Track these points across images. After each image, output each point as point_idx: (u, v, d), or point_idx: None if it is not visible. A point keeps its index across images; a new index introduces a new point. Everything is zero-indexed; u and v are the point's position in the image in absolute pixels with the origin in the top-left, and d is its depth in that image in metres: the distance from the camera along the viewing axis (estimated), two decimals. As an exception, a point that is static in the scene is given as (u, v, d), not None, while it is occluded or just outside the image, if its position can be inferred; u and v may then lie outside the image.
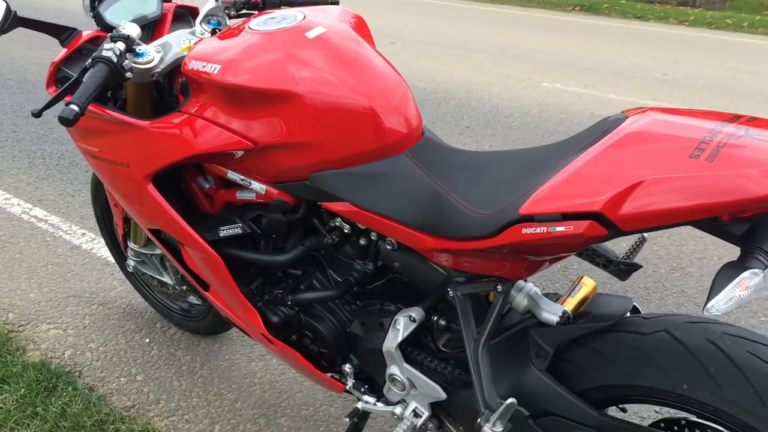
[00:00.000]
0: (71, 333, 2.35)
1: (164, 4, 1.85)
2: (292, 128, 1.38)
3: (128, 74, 1.53)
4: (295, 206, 1.53)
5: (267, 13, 1.60)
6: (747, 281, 0.95)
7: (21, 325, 2.37)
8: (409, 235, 1.35)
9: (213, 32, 1.70)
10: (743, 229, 1.03)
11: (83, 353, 2.25)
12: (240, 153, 1.46)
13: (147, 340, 2.32)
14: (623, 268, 1.45)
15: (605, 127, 1.17)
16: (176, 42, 1.67)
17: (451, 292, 1.38)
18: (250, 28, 1.49)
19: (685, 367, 1.18)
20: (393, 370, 1.52)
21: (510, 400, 1.22)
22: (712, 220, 1.03)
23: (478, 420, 1.26)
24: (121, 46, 1.47)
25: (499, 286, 1.32)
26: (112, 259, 2.78)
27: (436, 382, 1.48)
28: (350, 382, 1.65)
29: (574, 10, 10.83)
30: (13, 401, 1.98)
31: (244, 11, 1.83)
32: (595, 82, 5.96)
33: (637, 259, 1.46)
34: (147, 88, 1.71)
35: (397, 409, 1.56)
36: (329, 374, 1.68)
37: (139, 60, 1.55)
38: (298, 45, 1.41)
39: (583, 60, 6.87)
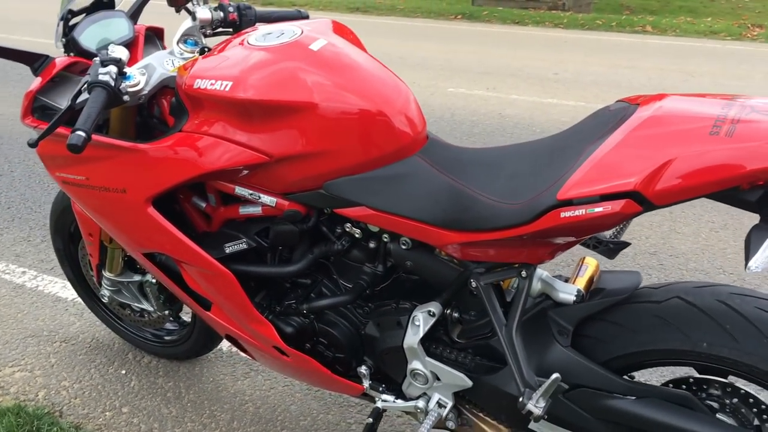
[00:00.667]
0: (39, 373, 2.24)
1: (135, 26, 1.82)
2: (307, 138, 1.42)
3: (125, 98, 1.52)
4: (305, 216, 1.56)
5: (250, 30, 1.63)
6: (776, 244, 1.07)
7: (-20, 371, 2.24)
8: (430, 233, 1.41)
9: (201, 51, 1.70)
10: (758, 195, 1.16)
11: (58, 392, 2.16)
12: (252, 168, 1.47)
13: (123, 372, 2.26)
14: (612, 248, 1.57)
15: (618, 114, 1.28)
16: (158, 63, 1.66)
17: (473, 283, 1.45)
18: (249, 43, 1.51)
19: (702, 327, 1.30)
20: (415, 365, 1.58)
21: (554, 376, 1.30)
22: (732, 190, 1.15)
23: (521, 399, 1.34)
24: (114, 69, 1.46)
25: (523, 272, 1.41)
26: (62, 294, 2.68)
27: (459, 371, 1.55)
28: (367, 383, 1.69)
29: (456, 19, 11.23)
30: (-4, 450, 1.89)
31: (220, 30, 1.84)
32: (496, 84, 6.24)
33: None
34: (132, 112, 1.70)
35: (420, 403, 1.62)
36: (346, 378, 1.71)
37: (128, 83, 1.54)
38: (305, 57, 1.44)
39: (478, 65, 7.15)
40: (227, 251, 1.65)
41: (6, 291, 2.71)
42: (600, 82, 6.41)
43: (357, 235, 1.57)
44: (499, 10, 11.67)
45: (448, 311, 1.57)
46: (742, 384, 1.37)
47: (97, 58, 1.49)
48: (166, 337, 2.29)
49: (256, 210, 1.60)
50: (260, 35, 1.54)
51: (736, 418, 1.39)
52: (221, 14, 1.81)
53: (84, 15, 1.79)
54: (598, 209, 1.19)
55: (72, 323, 2.51)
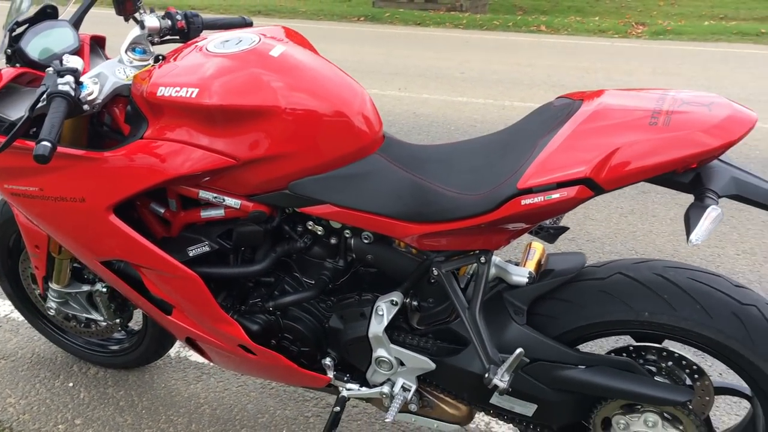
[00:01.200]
0: (-19, 391, 2.18)
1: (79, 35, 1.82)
2: (274, 141, 1.48)
3: (85, 107, 1.53)
4: (269, 216, 1.61)
5: (201, 38, 1.67)
6: (712, 214, 1.23)
7: None
8: (395, 226, 1.50)
9: (156, 60, 1.71)
10: (691, 177, 1.32)
11: (4, 410, 2.11)
12: (218, 171, 1.52)
13: (71, 384, 2.23)
14: (552, 233, 1.72)
15: (562, 112, 1.41)
16: (110, 72, 1.67)
17: (435, 271, 1.55)
18: (209, 50, 1.55)
19: (643, 299, 1.46)
20: (380, 352, 1.66)
21: (519, 350, 1.42)
22: (670, 174, 1.30)
23: (487, 375, 1.45)
24: (72, 79, 1.47)
25: (482, 258, 1.52)
26: (-6, 311, 2.60)
27: (423, 355, 1.64)
28: (332, 374, 1.76)
29: (359, 21, 11.36)
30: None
31: (168, 38, 1.86)
32: (407, 85, 6.40)
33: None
34: (84, 121, 1.70)
35: (385, 389, 1.71)
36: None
37: (83, 92, 1.55)
38: (267, 63, 1.50)
39: (386, 66, 7.30)
40: (191, 255, 1.68)
41: (-70, 311, 2.61)
42: (504, 80, 6.67)
43: (319, 233, 1.64)
44: (400, 11, 11.89)
45: (408, 300, 1.66)
46: (675, 348, 1.53)
47: (51, 69, 1.49)
48: (114, 347, 2.27)
49: (218, 213, 1.64)
50: (218, 43, 1.58)
51: (671, 378, 1.55)
52: (169, 22, 1.83)
53: (27, 25, 1.76)
54: (556, 195, 1.31)
55: (9, 339, 2.45)
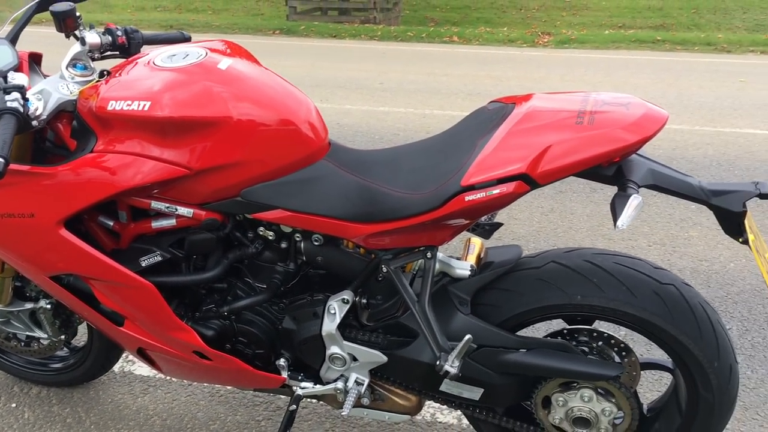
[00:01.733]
0: None
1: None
2: (226, 150, 1.54)
3: (34, 123, 1.55)
4: (221, 223, 1.67)
5: (146, 53, 1.72)
6: (634, 202, 1.37)
7: None
8: (345, 227, 1.59)
9: (101, 75, 1.73)
10: (614, 170, 1.46)
11: (-55, 435, 2.07)
12: (171, 182, 1.56)
13: (13, 405, 2.20)
14: (488, 228, 1.84)
15: (497, 114, 1.53)
16: (53, 88, 1.68)
17: (384, 268, 1.65)
18: (156, 65, 1.60)
19: (576, 284, 1.59)
20: (334, 349, 1.74)
21: (467, 337, 1.53)
22: (596, 167, 1.44)
23: (438, 362, 1.55)
24: (19, 96, 1.50)
25: (428, 253, 1.62)
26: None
27: (374, 349, 1.73)
28: (286, 374, 1.82)
29: (275, 34, 11.39)
30: None
31: (108, 53, 1.88)
32: (328, 96, 6.49)
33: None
34: (29, 137, 1.71)
35: (339, 384, 1.78)
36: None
37: (30, 109, 1.56)
38: (215, 76, 1.56)
39: (307, 78, 7.37)
40: (143, 265, 1.71)
41: None
42: (422, 89, 6.86)
43: (270, 237, 1.71)
44: (315, 24, 11.98)
45: (358, 298, 1.75)
46: (604, 329, 1.68)
47: (3, 86, 1.51)
48: (58, 365, 2.26)
49: (170, 222, 1.68)
50: (165, 57, 1.63)
51: (602, 356, 1.69)
52: (110, 38, 1.86)
53: (-37, 43, 1.76)
54: (496, 191, 1.43)
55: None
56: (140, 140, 1.55)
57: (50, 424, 2.12)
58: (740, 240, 1.46)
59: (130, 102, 1.52)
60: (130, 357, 2.41)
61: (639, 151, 1.48)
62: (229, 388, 2.28)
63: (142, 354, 1.89)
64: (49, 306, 2.01)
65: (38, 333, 2.07)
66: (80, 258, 1.65)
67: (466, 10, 14.19)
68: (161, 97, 1.51)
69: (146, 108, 1.50)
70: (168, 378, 2.33)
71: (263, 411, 2.19)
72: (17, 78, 1.56)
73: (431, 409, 2.20)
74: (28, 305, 2.03)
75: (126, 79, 1.59)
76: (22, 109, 1.48)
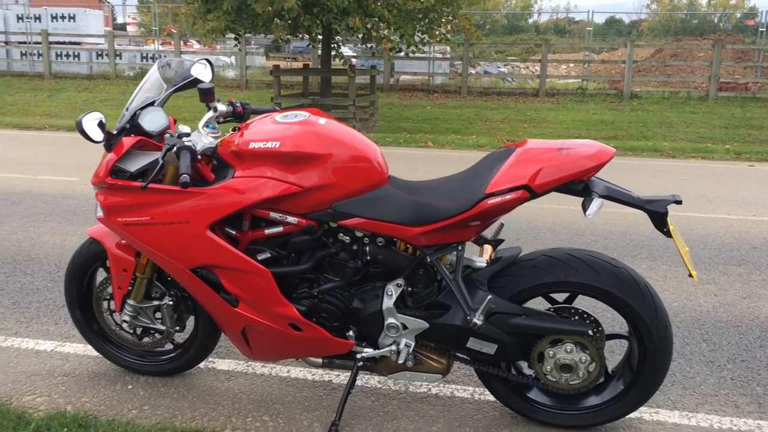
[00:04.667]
0: (56, 396, 2.76)
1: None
2: (324, 175, 2.33)
3: (199, 156, 2.33)
4: (315, 229, 2.42)
5: (256, 119, 2.52)
6: (597, 202, 2.18)
7: (5, 402, 2.69)
8: (401, 229, 2.37)
9: (234, 129, 2.52)
10: (582, 186, 2.28)
11: (83, 404, 2.69)
12: (287, 197, 2.33)
13: (130, 387, 2.84)
14: (494, 242, 2.62)
15: (505, 153, 2.35)
16: (197, 139, 2.46)
17: (429, 259, 2.40)
18: (277, 121, 2.41)
19: (559, 268, 2.38)
20: (390, 320, 2.46)
21: (489, 297, 2.28)
22: (570, 183, 2.25)
23: (469, 318, 2.30)
24: (190, 139, 2.29)
25: (459, 247, 2.40)
26: (40, 347, 3.16)
27: (419, 319, 2.45)
28: (354, 341, 2.52)
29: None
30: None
31: (229, 119, 2.68)
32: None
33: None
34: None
35: (393, 347, 2.49)
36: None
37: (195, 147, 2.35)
38: (318, 128, 2.38)
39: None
40: (259, 259, 2.44)
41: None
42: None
43: (346, 241, 2.47)
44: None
45: (405, 286, 2.48)
46: (580, 308, 2.44)
47: (168, 135, 2.30)
48: (163, 357, 2.91)
49: (278, 229, 2.44)
50: (281, 117, 2.44)
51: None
52: (231, 108, 2.67)
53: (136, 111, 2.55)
54: (509, 196, 2.23)
55: (66, 362, 3.02)
56: (268, 168, 2.33)
57: (160, 398, 2.77)
58: (664, 230, 2.27)
59: (265, 142, 2.32)
60: (211, 357, 3.07)
61: (597, 175, 2.30)
62: (297, 374, 2.95)
63: (243, 335, 2.58)
64: (171, 303, 2.71)
65: (158, 325, 2.75)
66: (220, 252, 2.39)
67: (436, 122, 15.44)
68: (286, 139, 2.31)
69: (277, 145, 2.30)
70: (245, 370, 2.99)
71: (322, 390, 2.86)
72: (185, 129, 2.34)
73: (450, 388, 2.89)
74: (155, 302, 2.73)
75: (259, 129, 2.40)
76: (194, 149, 2.26)
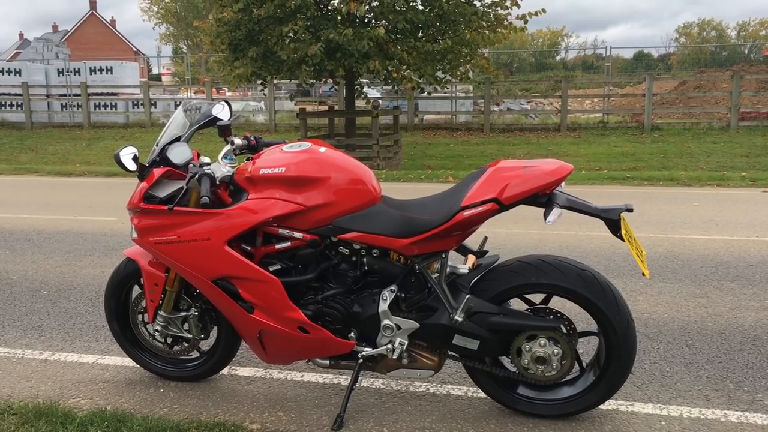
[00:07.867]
0: (97, 399, 3.15)
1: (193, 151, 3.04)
2: (325, 196, 2.71)
3: (218, 182, 2.74)
4: (318, 243, 2.80)
5: (266, 150, 2.93)
6: (557, 211, 2.53)
7: (54, 404, 3.09)
8: (391, 241, 2.73)
9: (248, 159, 2.93)
10: (545, 198, 2.62)
11: (120, 405, 3.08)
12: (292, 214, 2.72)
13: (161, 390, 3.21)
14: (479, 253, 2.97)
15: (480, 173, 2.71)
16: (216, 169, 2.87)
17: (417, 268, 2.76)
18: (284, 150, 2.81)
19: (531, 272, 2.72)
20: (386, 322, 2.81)
21: (467, 296, 2.63)
22: (534, 196, 2.60)
23: (451, 316, 2.64)
24: (210, 168, 2.70)
25: (443, 254, 2.75)
26: (83, 360, 3.57)
27: (411, 320, 2.80)
28: (354, 341, 2.87)
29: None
30: None
31: (244, 151, 3.10)
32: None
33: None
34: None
35: (389, 346, 2.83)
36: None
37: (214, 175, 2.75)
38: (318, 155, 2.77)
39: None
40: (270, 270, 2.82)
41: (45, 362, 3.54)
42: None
43: (346, 253, 2.84)
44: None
45: (398, 292, 2.84)
46: (555, 308, 2.77)
47: (192, 165, 2.72)
48: (189, 364, 3.29)
49: (286, 244, 2.82)
50: (287, 147, 2.85)
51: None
52: (246, 141, 3.08)
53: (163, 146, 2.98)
54: (481, 208, 2.59)
55: (106, 371, 3.42)
56: (277, 190, 2.72)
57: (188, 399, 3.14)
58: (617, 235, 2.61)
59: (273, 168, 2.72)
60: (232, 365, 3.44)
61: (559, 188, 2.64)
62: (309, 377, 3.30)
63: (260, 340, 2.94)
64: (196, 313, 3.10)
65: (185, 334, 3.13)
66: (237, 264, 2.77)
67: (459, 158, 15.85)
68: (291, 165, 2.71)
69: (283, 171, 2.70)
70: (264, 375, 3.35)
71: (332, 391, 3.20)
72: (206, 160, 2.75)
73: (446, 388, 3.21)
74: (183, 313, 3.11)
75: (269, 158, 2.80)
76: (214, 176, 2.67)
